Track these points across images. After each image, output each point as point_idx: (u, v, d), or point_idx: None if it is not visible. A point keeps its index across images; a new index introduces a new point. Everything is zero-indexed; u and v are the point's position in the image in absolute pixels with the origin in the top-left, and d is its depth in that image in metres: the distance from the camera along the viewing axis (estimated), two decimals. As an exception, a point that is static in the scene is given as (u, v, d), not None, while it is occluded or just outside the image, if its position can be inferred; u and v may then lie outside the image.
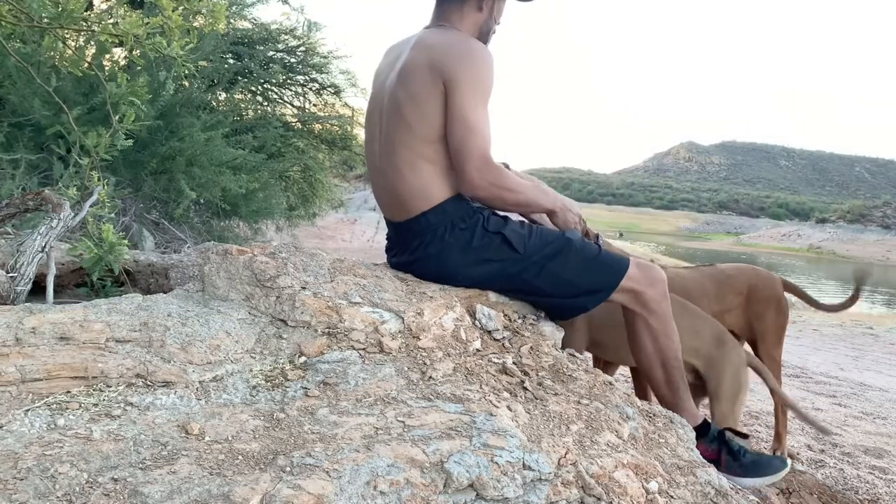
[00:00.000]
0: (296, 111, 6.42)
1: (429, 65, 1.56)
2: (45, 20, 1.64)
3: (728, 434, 1.68)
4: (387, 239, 1.79)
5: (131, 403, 1.02)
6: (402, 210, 1.66)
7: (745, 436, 1.72)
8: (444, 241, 1.61)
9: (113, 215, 1.79)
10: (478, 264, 1.61)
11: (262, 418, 1.04)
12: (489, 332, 1.53)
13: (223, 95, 5.60)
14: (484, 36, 1.71)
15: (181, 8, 1.77)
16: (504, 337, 1.54)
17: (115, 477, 0.82)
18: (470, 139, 1.52)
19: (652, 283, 1.66)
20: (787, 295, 2.60)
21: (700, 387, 2.02)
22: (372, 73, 1.81)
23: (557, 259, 1.62)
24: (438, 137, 1.58)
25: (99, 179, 1.83)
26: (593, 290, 1.65)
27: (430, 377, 1.26)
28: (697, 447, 1.58)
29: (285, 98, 6.43)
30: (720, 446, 1.64)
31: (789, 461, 1.69)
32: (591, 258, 1.65)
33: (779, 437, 2.58)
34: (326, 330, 1.31)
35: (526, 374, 1.41)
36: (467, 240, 1.60)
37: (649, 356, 1.68)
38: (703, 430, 1.64)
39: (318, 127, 6.38)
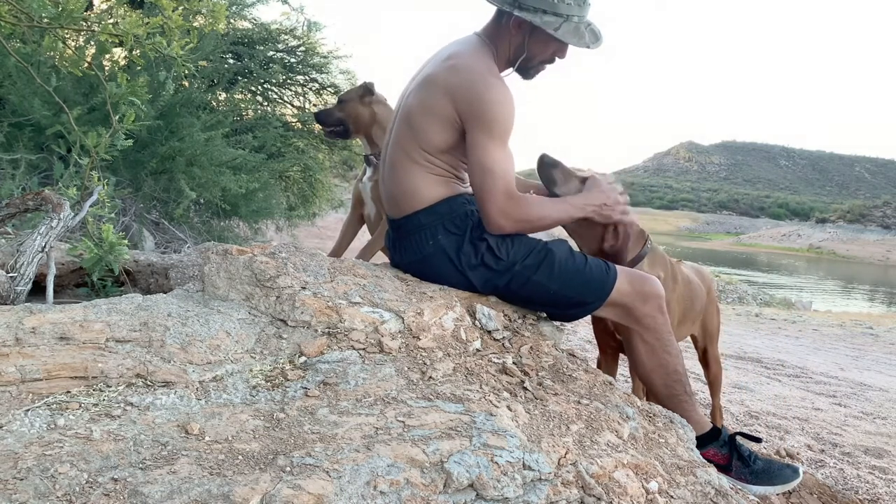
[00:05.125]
0: (296, 111, 6.42)
1: (446, 87, 1.57)
2: (45, 20, 1.64)
3: (739, 439, 1.67)
4: (386, 235, 1.82)
5: (131, 403, 1.02)
6: (397, 207, 1.71)
7: (757, 440, 1.70)
8: (438, 243, 1.62)
9: (113, 215, 1.79)
10: (469, 269, 1.61)
11: (262, 418, 1.04)
12: (489, 332, 1.53)
13: (223, 95, 5.60)
14: (517, 60, 1.68)
15: (181, 8, 1.77)
16: (504, 337, 1.54)
17: (115, 477, 0.82)
18: (489, 181, 1.54)
19: (644, 298, 1.61)
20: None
21: None
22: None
23: (542, 270, 1.61)
24: (435, 150, 1.62)
25: (99, 179, 1.83)
26: (581, 303, 1.63)
27: (430, 377, 1.26)
28: (708, 453, 1.58)
29: (285, 98, 6.44)
30: (731, 452, 1.62)
31: (801, 470, 1.67)
32: (577, 270, 1.62)
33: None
34: (326, 330, 1.31)
35: (526, 374, 1.41)
36: (459, 244, 1.62)
37: (647, 371, 1.65)
38: (713, 436, 1.63)
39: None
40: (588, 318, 1.79)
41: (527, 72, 1.72)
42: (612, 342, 2.05)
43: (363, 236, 2.72)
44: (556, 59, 1.71)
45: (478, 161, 1.55)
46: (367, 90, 2.58)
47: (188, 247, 4.20)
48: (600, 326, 2.03)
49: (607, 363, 2.12)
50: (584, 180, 1.79)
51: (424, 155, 1.62)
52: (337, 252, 2.67)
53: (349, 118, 2.59)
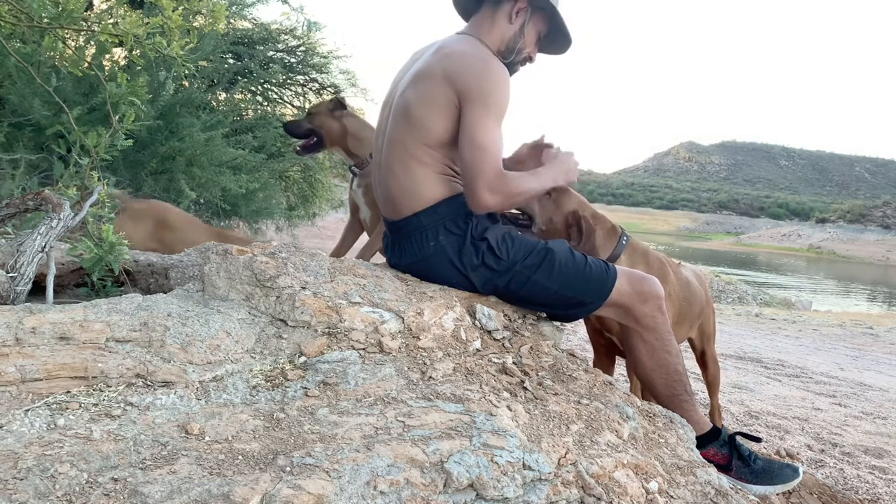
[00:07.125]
0: (296, 111, 6.42)
1: (444, 74, 1.57)
2: (45, 20, 1.64)
3: (739, 439, 1.66)
4: (384, 236, 1.82)
5: (131, 403, 1.02)
6: (395, 209, 1.70)
7: (757, 439, 1.70)
8: (439, 244, 1.62)
9: (113, 215, 1.78)
10: (471, 269, 1.61)
11: (262, 418, 1.04)
12: (489, 331, 1.53)
13: (223, 95, 5.61)
14: (510, 52, 1.71)
15: (181, 8, 1.77)
16: (504, 337, 1.54)
17: (115, 477, 0.82)
18: (482, 158, 1.53)
19: (644, 298, 1.61)
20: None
21: None
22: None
23: (542, 270, 1.61)
24: (436, 143, 1.61)
25: (99, 179, 1.83)
26: (581, 303, 1.63)
27: (430, 377, 1.26)
28: (708, 453, 1.58)
29: (285, 98, 6.44)
30: (731, 451, 1.62)
31: (801, 470, 1.67)
32: (577, 270, 1.62)
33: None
34: (326, 330, 1.31)
35: (526, 373, 1.41)
36: (460, 245, 1.61)
37: (648, 371, 1.65)
38: (713, 436, 1.63)
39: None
40: None
41: (509, 68, 1.74)
42: (602, 339, 2.05)
43: (363, 237, 2.74)
44: (528, 62, 1.78)
45: (471, 138, 1.54)
46: (337, 104, 2.63)
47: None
48: (589, 323, 2.03)
49: (601, 362, 2.12)
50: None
51: (426, 150, 1.62)
52: (337, 255, 2.68)
53: (320, 130, 2.64)
